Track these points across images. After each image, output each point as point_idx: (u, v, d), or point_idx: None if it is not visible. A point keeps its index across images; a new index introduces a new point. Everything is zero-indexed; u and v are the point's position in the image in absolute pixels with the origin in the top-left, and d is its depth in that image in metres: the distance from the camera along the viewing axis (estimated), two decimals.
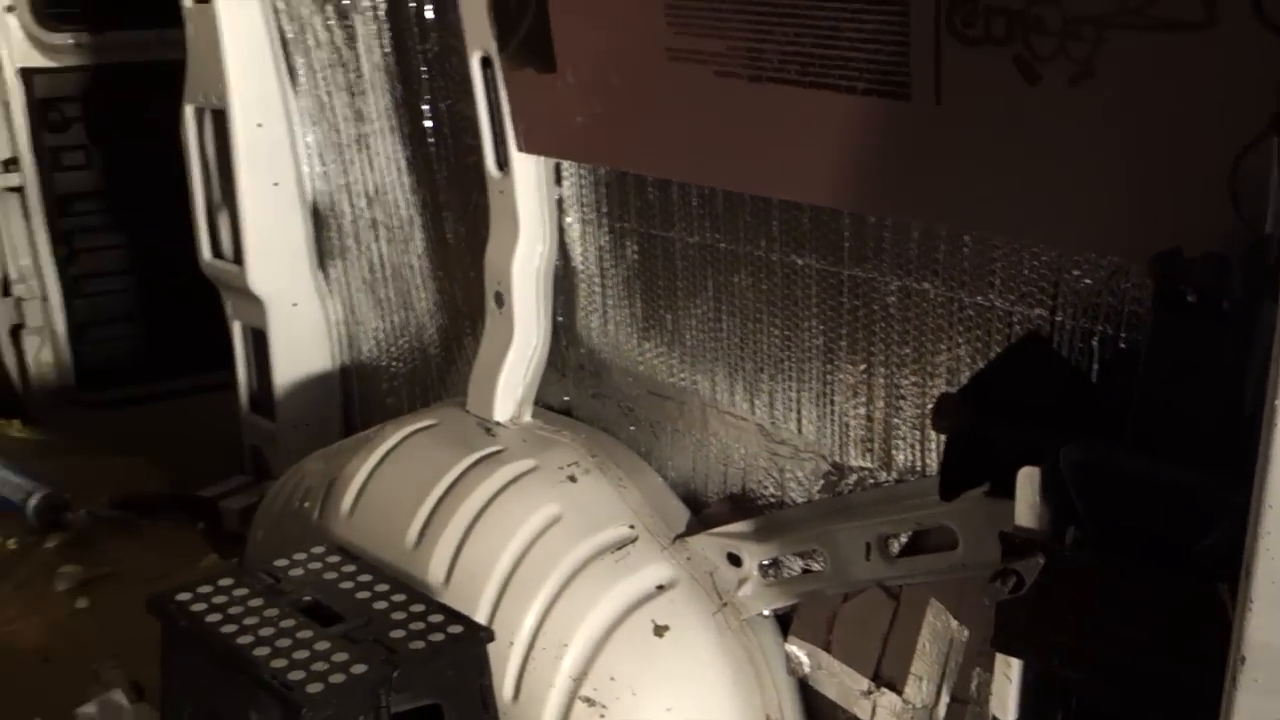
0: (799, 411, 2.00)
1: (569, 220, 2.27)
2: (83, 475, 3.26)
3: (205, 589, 1.86)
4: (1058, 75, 1.43)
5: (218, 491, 3.06)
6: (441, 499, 2.13)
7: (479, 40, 2.16)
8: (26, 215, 4.35)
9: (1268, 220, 1.20)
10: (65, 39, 4.20)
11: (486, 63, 2.18)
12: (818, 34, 1.66)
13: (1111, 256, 1.50)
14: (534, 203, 2.24)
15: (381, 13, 2.47)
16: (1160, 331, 1.29)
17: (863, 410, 1.90)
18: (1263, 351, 1.01)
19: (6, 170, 4.29)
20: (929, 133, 1.58)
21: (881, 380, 1.86)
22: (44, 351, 4.44)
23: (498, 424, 2.33)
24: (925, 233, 1.73)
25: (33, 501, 3.00)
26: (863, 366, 1.87)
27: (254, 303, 2.87)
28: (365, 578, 1.90)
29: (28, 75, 4.21)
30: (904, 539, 1.86)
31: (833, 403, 1.94)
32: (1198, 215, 1.32)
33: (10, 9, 4.11)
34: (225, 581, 1.88)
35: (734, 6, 1.74)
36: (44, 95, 4.27)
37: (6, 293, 4.37)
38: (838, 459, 1.96)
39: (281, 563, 1.94)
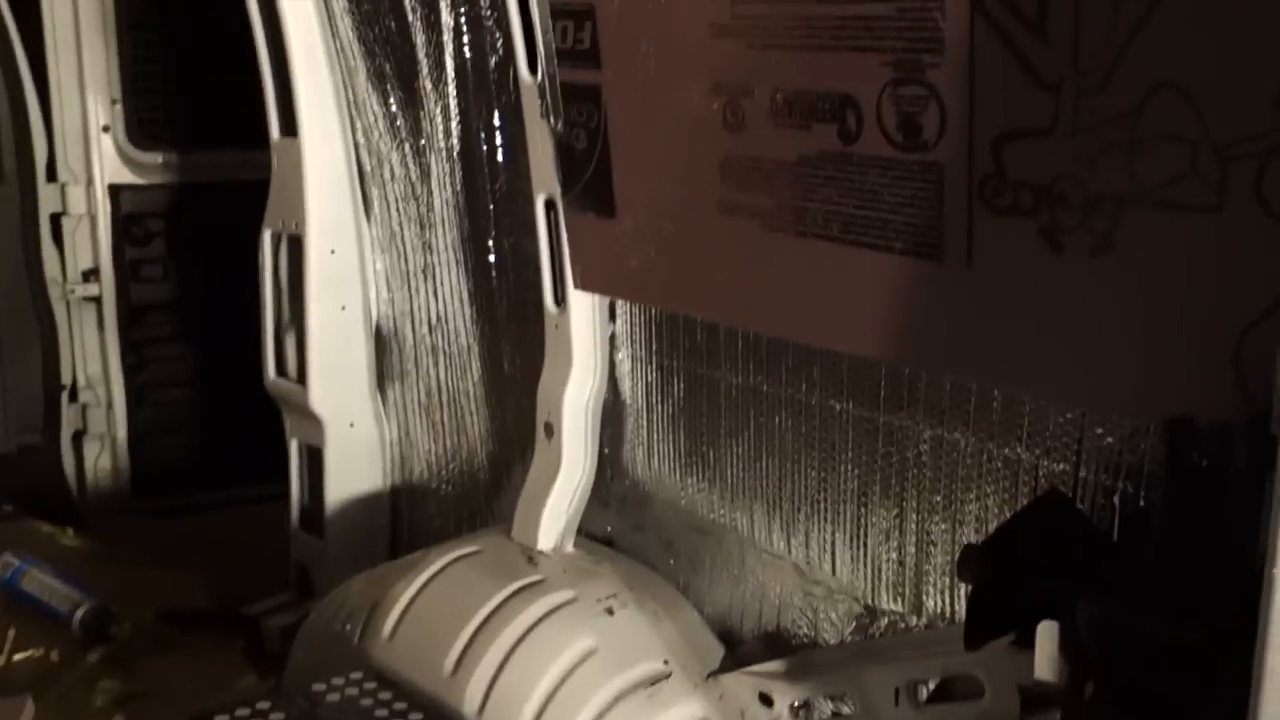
0: (833, 553, 2.05)
1: (620, 356, 2.37)
2: (131, 585, 3.31)
3: (242, 712, 1.89)
4: (1080, 246, 1.52)
5: (261, 608, 3.10)
6: (480, 628, 2.17)
7: (545, 184, 2.31)
8: (101, 324, 4.52)
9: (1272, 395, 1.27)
10: (155, 158, 4.40)
11: (550, 205, 2.31)
12: (860, 196, 1.77)
13: (1127, 418, 1.57)
14: (587, 338, 2.35)
15: (456, 152, 2.64)
16: (1172, 495, 1.35)
17: (895, 555, 1.95)
18: (1265, 522, 1.07)
19: (86, 281, 4.47)
20: (960, 293, 1.67)
21: (913, 526, 1.91)
22: (103, 458, 4.55)
23: (540, 552, 2.39)
24: (956, 385, 1.80)
25: (79, 614, 3.03)
26: (895, 511, 1.93)
27: (313, 421, 2.98)
28: (400, 705, 1.93)
29: (115, 191, 4.42)
30: (933, 684, 1.89)
31: (866, 546, 2.00)
32: (1210, 385, 1.39)
33: (105, 129, 4.35)
34: (262, 705, 1.92)
35: (783, 167, 1.86)
36: (129, 210, 4.47)
37: (73, 399, 4.52)
38: (870, 602, 2.00)
39: (319, 687, 1.98)
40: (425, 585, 2.34)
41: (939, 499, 1.87)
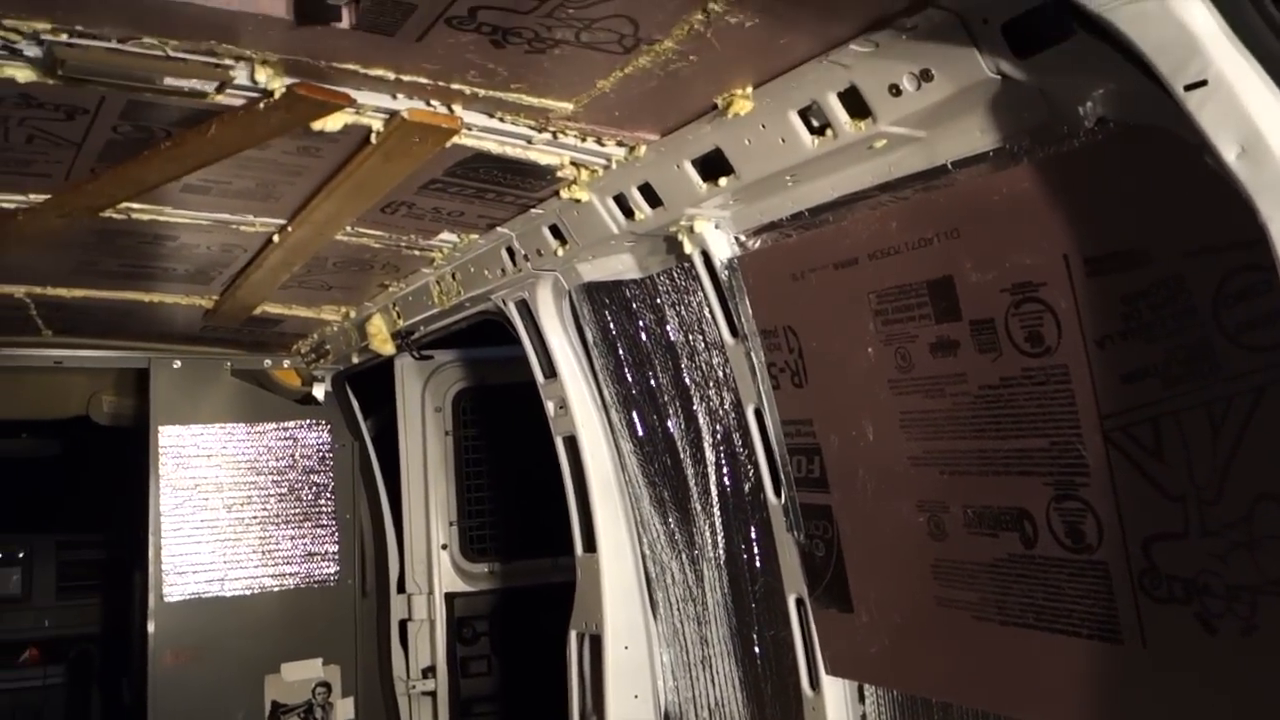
0: None
1: None
2: None
3: None
4: (1231, 628, 1.80)
5: None
6: None
7: (794, 586, 2.75)
8: (435, 717, 5.21)
9: None
10: (482, 568, 5.26)
11: (800, 603, 2.75)
12: (1046, 590, 2.12)
13: None
14: (840, 718, 2.69)
15: (722, 560, 3.15)
16: None
17: None
18: None
19: (424, 677, 5.22)
20: (1140, 671, 1.95)
21: None
22: None
23: None
24: None
25: None
26: None
27: None
28: None
29: (450, 598, 5.26)
30: None
31: None
32: None
33: (444, 547, 5.26)
34: None
35: (981, 567, 2.24)
36: (461, 614, 5.28)
37: None
38: None
39: None
40: None
41: None
